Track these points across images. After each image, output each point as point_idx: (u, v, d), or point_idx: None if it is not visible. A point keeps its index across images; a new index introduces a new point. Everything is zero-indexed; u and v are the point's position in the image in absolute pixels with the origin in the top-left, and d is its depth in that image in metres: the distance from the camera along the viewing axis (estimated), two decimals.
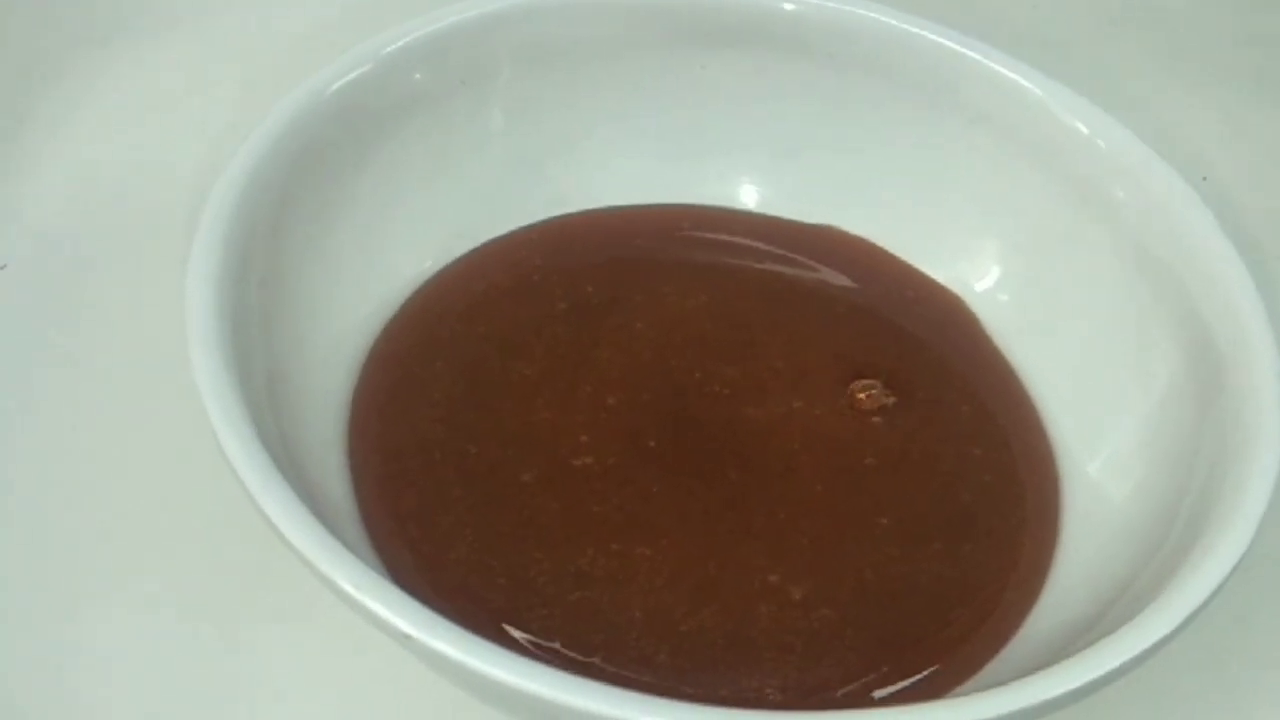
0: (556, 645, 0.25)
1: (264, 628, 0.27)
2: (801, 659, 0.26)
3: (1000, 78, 0.30)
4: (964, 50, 0.31)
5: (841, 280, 0.32)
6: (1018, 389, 0.30)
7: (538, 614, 0.26)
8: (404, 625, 0.21)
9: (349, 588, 0.21)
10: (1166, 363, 0.28)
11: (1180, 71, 0.40)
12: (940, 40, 0.31)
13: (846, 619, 0.26)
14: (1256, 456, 0.25)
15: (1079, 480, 0.29)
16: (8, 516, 0.28)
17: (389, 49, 0.29)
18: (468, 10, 0.30)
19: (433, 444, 0.28)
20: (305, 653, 0.27)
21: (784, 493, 0.28)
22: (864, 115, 0.32)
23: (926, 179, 0.32)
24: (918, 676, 0.26)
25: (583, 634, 0.25)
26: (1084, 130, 0.30)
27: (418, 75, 0.30)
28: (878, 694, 0.25)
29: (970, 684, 0.25)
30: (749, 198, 0.33)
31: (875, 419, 0.29)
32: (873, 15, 0.31)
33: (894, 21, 0.31)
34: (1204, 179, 0.32)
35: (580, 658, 0.25)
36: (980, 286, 0.32)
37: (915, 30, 0.31)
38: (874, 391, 0.29)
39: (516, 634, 0.25)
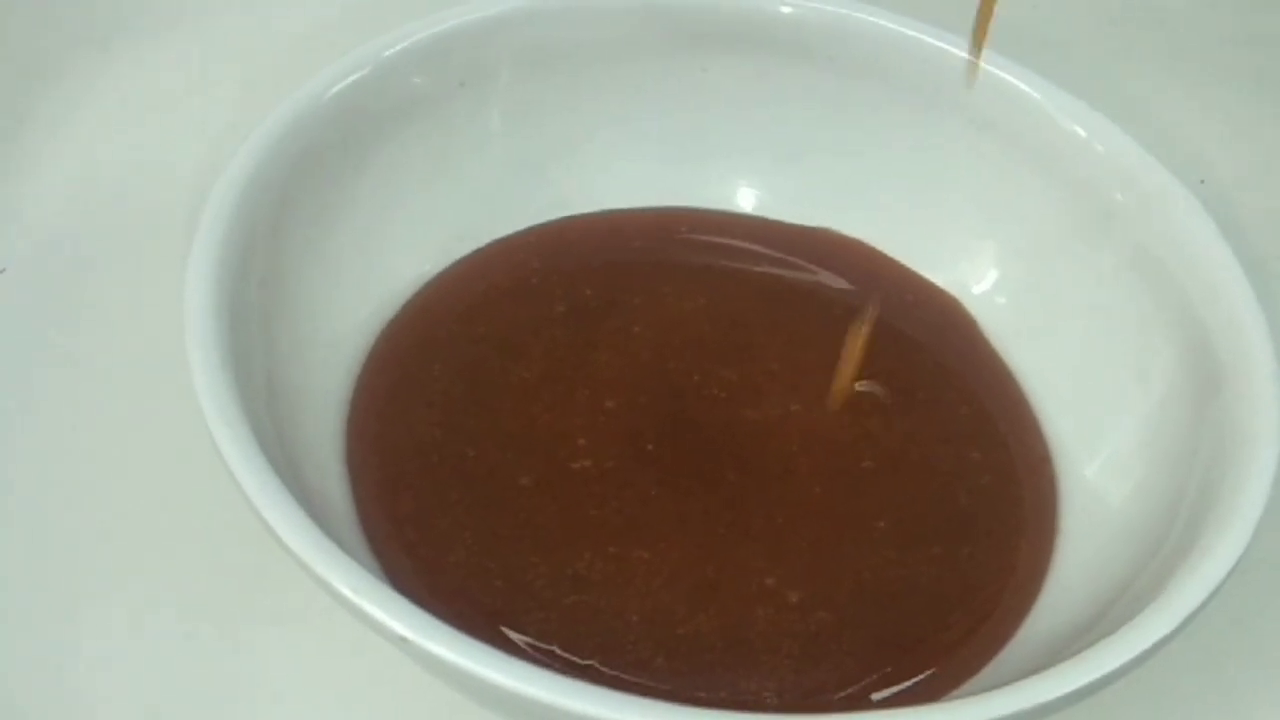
0: (554, 648, 0.25)
1: (262, 630, 0.27)
2: (799, 662, 0.26)
3: (999, 81, 0.30)
4: (963, 53, 0.31)
5: (839, 283, 0.32)
6: (1016, 391, 0.30)
7: (535, 617, 0.26)
8: (401, 629, 0.21)
9: (346, 591, 0.21)
10: (1164, 365, 0.28)
11: (1179, 73, 0.40)
12: (938, 44, 0.31)
13: (844, 622, 0.26)
14: (1254, 458, 0.25)
15: (1077, 482, 0.29)
16: (7, 516, 0.28)
17: (388, 52, 0.29)
18: (467, 13, 0.30)
19: (431, 446, 0.28)
20: (303, 655, 0.27)
21: (782, 495, 0.28)
22: (862, 118, 0.32)
23: (925, 182, 0.32)
24: (916, 679, 0.26)
25: (580, 637, 0.25)
26: (1082, 134, 0.30)
27: (417, 78, 0.30)
28: (875, 697, 0.25)
29: (968, 686, 0.25)
30: (747, 201, 0.33)
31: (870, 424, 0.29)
32: (871, 19, 0.31)
33: (892, 25, 0.31)
34: (1202, 181, 0.32)
35: (578, 661, 0.25)
36: (978, 289, 0.32)
37: (913, 34, 0.31)
38: (871, 402, 0.29)
39: (514, 637, 0.25)
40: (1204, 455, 0.26)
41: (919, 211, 0.32)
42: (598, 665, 0.25)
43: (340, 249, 0.29)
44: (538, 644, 0.25)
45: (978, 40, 0.30)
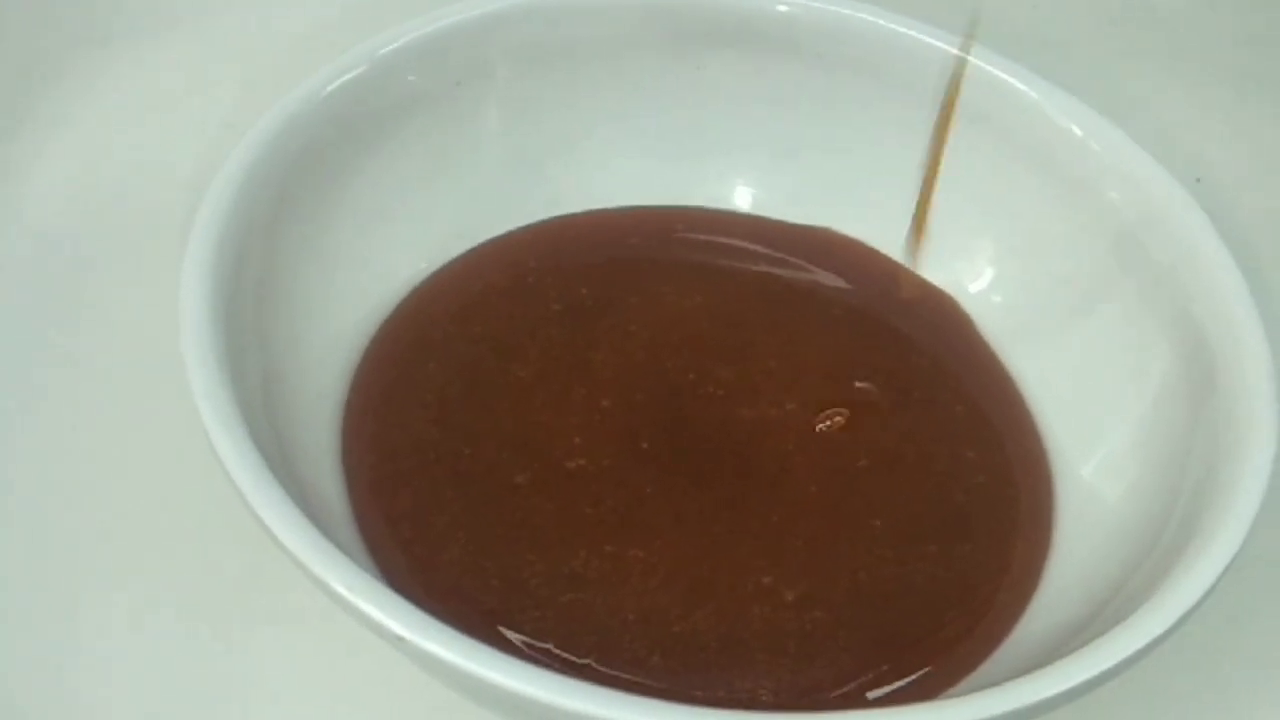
0: (550, 647, 0.25)
1: (259, 629, 0.27)
2: (795, 660, 0.26)
3: (995, 80, 0.30)
4: (959, 52, 0.31)
5: (836, 282, 0.32)
6: (1011, 390, 0.30)
7: (531, 616, 0.26)
8: (397, 627, 0.21)
9: (342, 590, 0.21)
10: (1160, 364, 0.28)
11: (1176, 72, 0.40)
12: (935, 42, 0.31)
13: (840, 620, 0.26)
14: (1249, 457, 0.25)
15: (1072, 481, 0.29)
16: (6, 516, 0.28)
17: (385, 50, 0.30)
18: (463, 11, 0.30)
19: (427, 445, 0.28)
20: (300, 654, 0.27)
21: (778, 494, 0.28)
22: (859, 117, 0.32)
23: (919, 180, 0.32)
24: (911, 678, 0.26)
25: (576, 636, 0.25)
26: (1078, 132, 0.30)
27: (414, 76, 0.30)
28: (871, 695, 0.25)
29: (964, 685, 0.25)
30: (744, 199, 0.33)
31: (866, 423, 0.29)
32: (868, 17, 0.31)
33: (889, 24, 0.31)
34: (1198, 180, 0.32)
35: (574, 659, 0.25)
36: (974, 288, 0.32)
37: (910, 32, 0.31)
38: (837, 419, 0.29)
39: (510, 635, 0.25)
40: (1199, 454, 0.26)
41: (916, 210, 0.32)
42: (594, 664, 0.25)
43: (336, 247, 0.29)
44: (534, 642, 0.25)
45: (918, 224, 0.30)
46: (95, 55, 0.37)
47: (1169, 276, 0.28)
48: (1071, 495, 0.28)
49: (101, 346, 0.31)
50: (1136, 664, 0.22)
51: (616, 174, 0.33)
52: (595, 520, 0.27)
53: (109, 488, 0.29)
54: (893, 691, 0.25)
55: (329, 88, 0.29)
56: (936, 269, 0.32)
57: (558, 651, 0.25)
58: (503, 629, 0.25)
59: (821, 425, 0.29)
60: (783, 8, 0.31)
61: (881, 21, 0.31)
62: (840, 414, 0.29)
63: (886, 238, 0.32)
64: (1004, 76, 0.30)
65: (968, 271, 0.32)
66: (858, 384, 0.30)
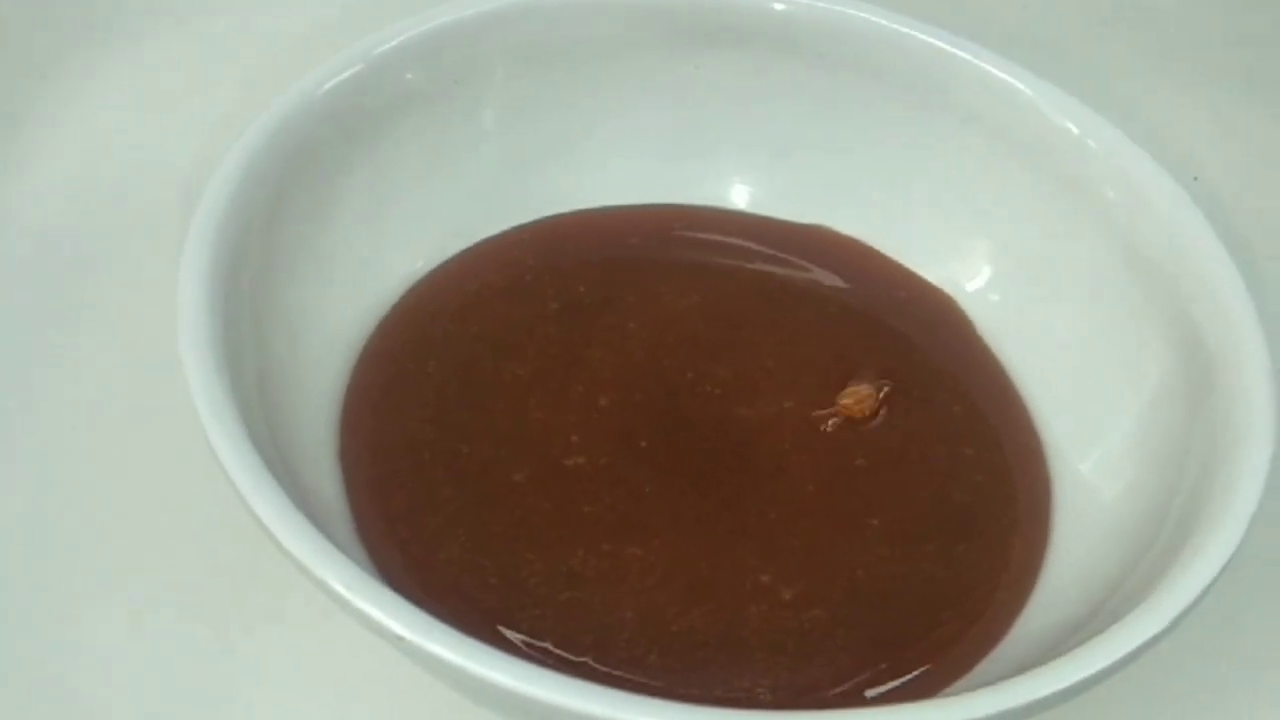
0: (548, 645, 0.25)
1: (258, 629, 0.27)
2: (793, 659, 0.26)
3: (991, 78, 0.30)
4: (955, 50, 0.31)
5: (833, 280, 0.32)
6: (1009, 389, 0.30)
7: (529, 614, 0.26)
8: (395, 627, 0.21)
9: (340, 589, 0.21)
10: (1157, 362, 0.28)
11: (1171, 71, 0.40)
12: (931, 40, 0.31)
13: (838, 619, 0.26)
14: (1247, 456, 0.25)
15: (1070, 480, 0.29)
16: (5, 516, 0.28)
17: (382, 49, 0.30)
18: (460, 10, 0.30)
19: (424, 444, 0.28)
20: (299, 654, 0.27)
21: (775, 493, 0.28)
22: (855, 116, 0.32)
23: (918, 179, 0.32)
24: (909, 676, 0.26)
25: (574, 634, 0.25)
26: (1074, 130, 0.30)
27: (410, 75, 0.30)
28: (869, 693, 0.25)
29: (962, 683, 0.25)
30: (741, 198, 0.33)
31: (864, 422, 0.29)
32: (864, 15, 0.31)
33: (885, 22, 0.31)
34: (1194, 179, 0.32)
35: (571, 658, 0.25)
36: (972, 286, 0.32)
37: (906, 30, 0.31)
38: (862, 397, 0.29)
39: (508, 634, 0.25)
40: (1197, 453, 0.26)
41: (913, 209, 0.32)
42: (592, 662, 0.25)
43: (334, 246, 0.29)
44: (532, 641, 0.25)
45: None
46: (95, 55, 0.37)
47: (1166, 275, 0.28)
48: (1069, 494, 0.28)
49: (100, 346, 0.31)
50: (1134, 663, 0.22)
51: (614, 173, 0.33)
52: (593, 519, 0.27)
53: (107, 488, 0.29)
54: (891, 690, 0.25)
55: (326, 86, 0.29)
56: (934, 268, 0.32)
57: (556, 650, 0.25)
58: (501, 628, 0.25)
59: (831, 420, 0.29)
60: (780, 6, 0.31)
61: (880, 20, 0.31)
62: (848, 403, 0.29)
63: (884, 237, 0.32)
64: (1000, 75, 0.30)
65: (965, 270, 0.32)
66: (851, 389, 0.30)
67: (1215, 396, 0.26)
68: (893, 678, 0.26)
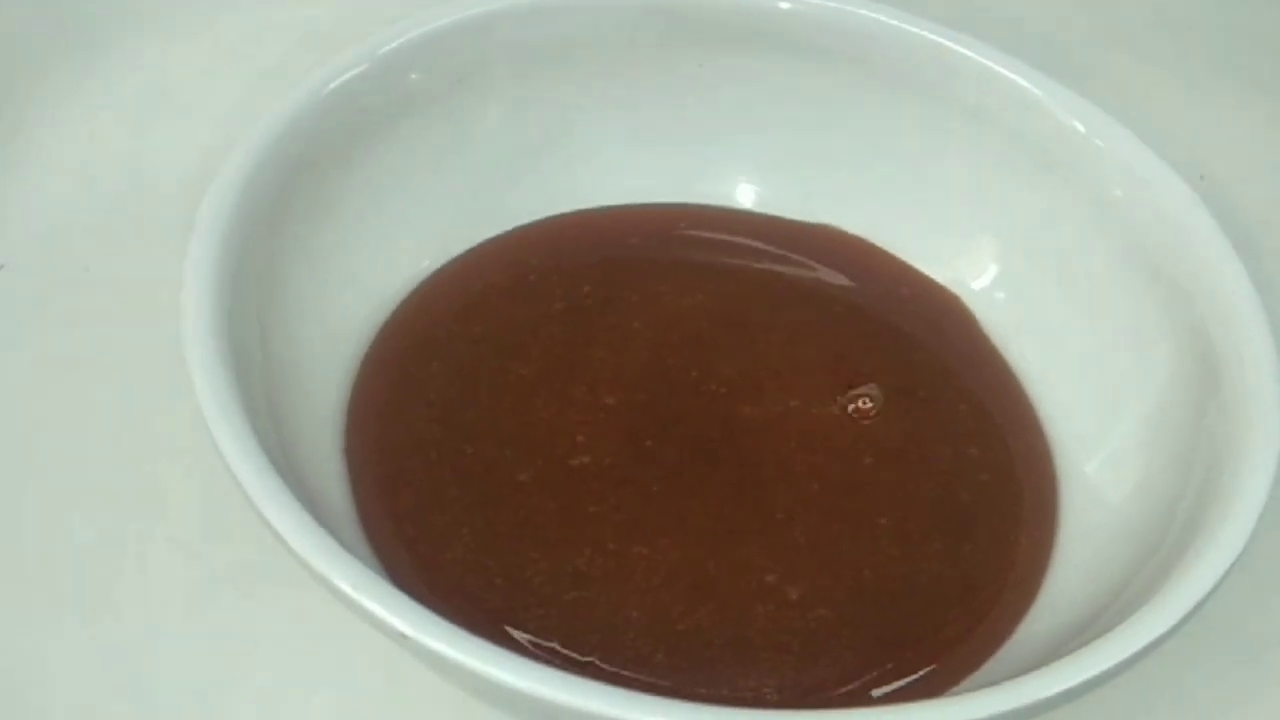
0: (554, 645, 0.25)
1: (262, 628, 0.27)
2: (799, 659, 0.26)
3: (998, 76, 0.30)
4: (962, 49, 0.31)
5: (839, 279, 0.32)
6: (1015, 388, 0.30)
7: (535, 614, 0.26)
8: (401, 625, 0.21)
9: (346, 588, 0.21)
10: (1164, 362, 0.28)
11: (1178, 70, 0.40)
12: (938, 39, 0.31)
13: (844, 619, 0.26)
14: (1254, 455, 0.25)
15: (1076, 480, 0.29)
16: (6, 516, 0.28)
17: (385, 49, 0.29)
18: (464, 9, 0.30)
19: (430, 444, 0.28)
20: (302, 652, 0.27)
21: (781, 492, 0.28)
22: (861, 114, 0.32)
23: (924, 178, 0.32)
24: (915, 676, 0.26)
25: (580, 634, 0.25)
26: (1081, 129, 0.30)
27: (414, 75, 0.30)
28: (876, 693, 0.25)
29: (968, 683, 0.25)
30: (746, 197, 0.33)
31: (870, 421, 0.29)
32: (870, 14, 0.31)
33: (891, 20, 0.31)
34: (1201, 177, 0.31)
35: (577, 657, 0.25)
36: (977, 285, 0.32)
37: (913, 29, 0.31)
38: (870, 399, 0.29)
39: (514, 634, 0.25)
40: (1203, 453, 0.26)
41: (918, 207, 0.32)
42: (598, 661, 0.25)
43: (338, 247, 0.29)
44: (538, 640, 0.25)
45: None
46: (94, 55, 0.37)
47: (1173, 274, 0.28)
48: (1075, 493, 0.28)
49: (101, 346, 0.31)
50: (1138, 663, 0.22)
51: (618, 172, 0.33)
52: (599, 518, 0.27)
53: (112, 489, 0.29)
54: (897, 689, 0.25)
55: (330, 86, 0.29)
56: (940, 266, 0.32)
57: (562, 649, 0.25)
58: (507, 627, 0.25)
59: (850, 407, 0.29)
60: (785, 5, 0.31)
61: (886, 19, 0.31)
62: (867, 396, 0.29)
63: (890, 235, 0.32)
64: (1008, 74, 0.30)
65: (971, 269, 0.32)
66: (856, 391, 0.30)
67: (1222, 396, 0.26)
68: (899, 677, 0.26)
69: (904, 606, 0.27)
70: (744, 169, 0.33)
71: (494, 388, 0.29)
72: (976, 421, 0.30)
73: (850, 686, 0.25)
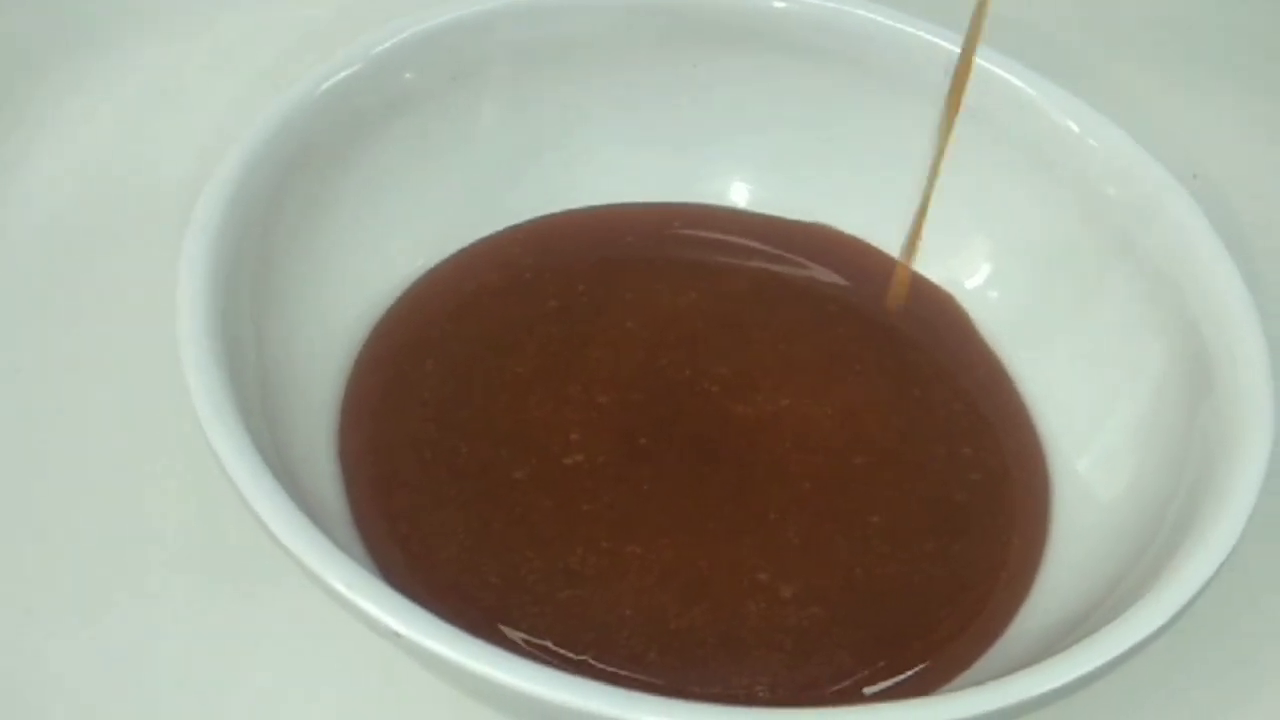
0: (547, 643, 0.25)
1: (257, 627, 0.27)
2: (791, 657, 0.26)
3: (992, 76, 0.30)
4: (956, 48, 0.31)
5: (832, 278, 0.32)
6: (1008, 387, 0.30)
7: (529, 612, 0.26)
8: (395, 624, 0.21)
9: (340, 587, 0.21)
10: (1157, 361, 0.28)
11: (1171, 69, 0.40)
12: (932, 38, 0.31)
13: (836, 617, 0.26)
14: (1246, 454, 0.25)
15: (1069, 479, 0.29)
16: (6, 516, 0.28)
17: (380, 48, 0.29)
18: (459, 8, 0.30)
19: (424, 443, 0.28)
20: (297, 651, 0.27)
21: (774, 491, 0.28)
22: (855, 113, 0.32)
23: (917, 177, 0.32)
24: (908, 674, 0.26)
25: (573, 632, 0.25)
26: (1075, 128, 0.30)
27: (408, 74, 0.30)
28: (868, 691, 0.25)
29: (959, 681, 0.25)
30: (740, 196, 0.33)
31: (865, 416, 0.29)
32: (864, 13, 0.31)
33: (885, 20, 0.31)
34: (1194, 177, 0.32)
35: (571, 656, 0.25)
36: (971, 284, 0.32)
37: (906, 28, 0.31)
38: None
39: (508, 632, 0.25)
40: (1196, 451, 0.26)
41: (911, 207, 0.32)
42: (591, 660, 0.25)
43: (332, 246, 0.29)
44: (532, 639, 0.25)
45: (917, 228, 0.29)
46: (93, 54, 0.37)
47: (1166, 273, 0.28)
48: (1068, 492, 0.28)
49: (99, 345, 0.31)
50: (1129, 661, 0.22)
51: (613, 171, 0.33)
52: (592, 517, 0.27)
53: (105, 488, 0.29)
54: (889, 687, 0.26)
55: (325, 85, 0.29)
56: (934, 265, 0.32)
57: (555, 648, 0.25)
58: (501, 626, 0.25)
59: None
60: (780, 4, 0.31)
61: (878, 18, 0.31)
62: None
63: (884, 234, 0.32)
64: (1001, 73, 0.30)
65: (965, 268, 0.32)
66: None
67: (1214, 395, 0.26)
68: (891, 675, 0.26)
69: (896, 605, 0.27)
70: (739, 168, 0.33)
71: (488, 387, 0.29)
72: (969, 420, 0.30)
73: (842, 684, 0.26)
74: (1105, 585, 0.25)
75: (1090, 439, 0.29)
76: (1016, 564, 0.27)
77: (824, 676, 0.26)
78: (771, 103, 0.33)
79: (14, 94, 0.36)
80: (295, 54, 0.35)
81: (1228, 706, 0.28)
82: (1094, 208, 0.30)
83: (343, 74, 0.29)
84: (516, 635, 0.25)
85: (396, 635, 0.21)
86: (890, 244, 0.32)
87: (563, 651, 0.25)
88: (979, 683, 0.22)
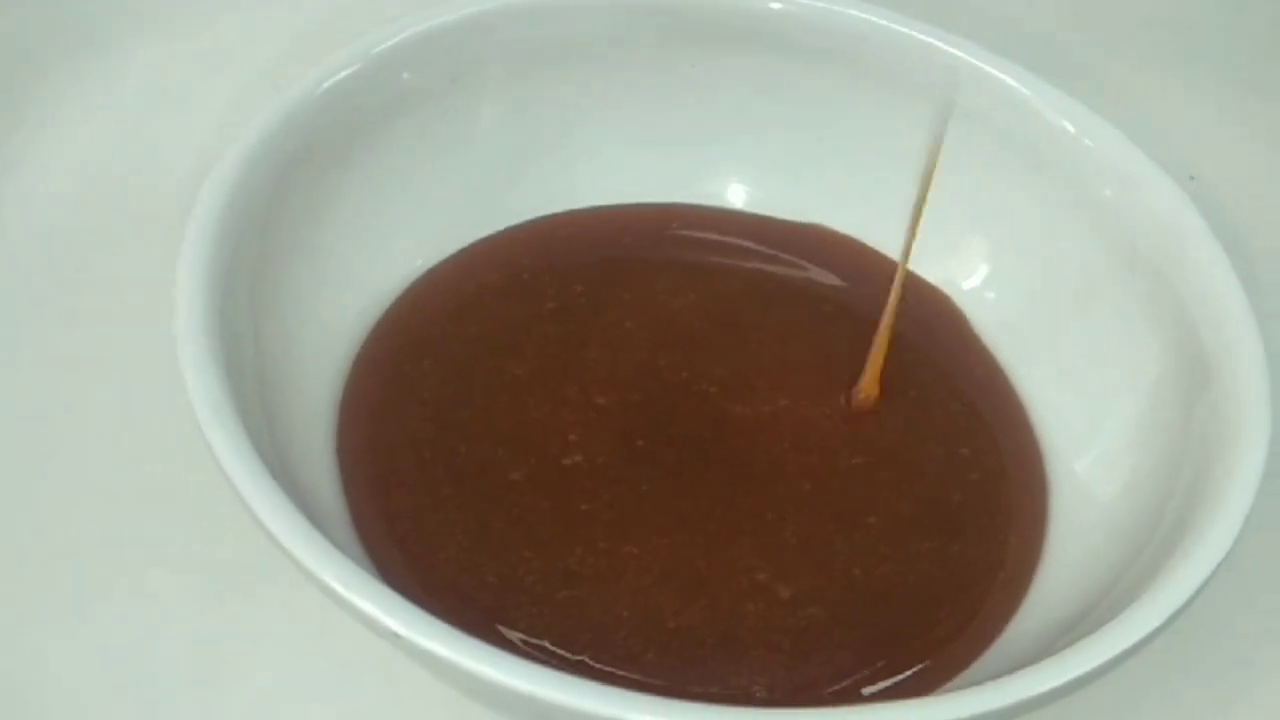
0: (545, 643, 0.25)
1: (260, 626, 0.27)
2: (790, 657, 0.26)
3: (988, 77, 0.30)
4: (952, 49, 0.31)
5: (830, 279, 0.32)
6: (1005, 387, 0.30)
7: (527, 612, 0.26)
8: (393, 624, 0.21)
9: (338, 586, 0.21)
10: (1154, 361, 0.28)
11: (1168, 70, 0.40)
12: (928, 39, 0.31)
13: (835, 617, 0.26)
14: (1243, 455, 0.25)
15: (1066, 479, 0.29)
16: (6, 516, 0.28)
17: (379, 48, 0.29)
18: (458, 9, 0.30)
19: (422, 443, 0.28)
20: (295, 651, 0.27)
21: (772, 491, 0.28)
22: (852, 114, 0.32)
23: (914, 178, 0.32)
24: (906, 674, 0.26)
25: (572, 632, 0.25)
26: (1071, 129, 0.30)
27: (407, 74, 0.30)
28: (866, 691, 0.26)
29: (958, 681, 0.25)
30: (738, 197, 0.33)
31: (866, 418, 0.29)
32: (861, 15, 0.31)
33: (882, 21, 0.31)
34: (1191, 178, 0.32)
35: (569, 656, 0.25)
36: (968, 285, 0.32)
37: (903, 30, 0.31)
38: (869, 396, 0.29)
39: (506, 632, 0.25)
40: (1193, 452, 0.26)
41: (909, 207, 0.32)
42: (589, 660, 0.25)
43: (330, 246, 0.29)
44: (529, 639, 0.25)
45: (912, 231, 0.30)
46: (92, 54, 0.37)
47: (1162, 274, 0.28)
48: (1065, 492, 0.28)
49: (99, 345, 0.31)
50: (1127, 661, 0.22)
51: (611, 171, 0.33)
52: (590, 517, 0.27)
53: (103, 488, 0.29)
54: (888, 687, 0.26)
55: (324, 85, 0.29)
56: (930, 266, 0.32)
57: (553, 648, 0.25)
58: (499, 626, 0.25)
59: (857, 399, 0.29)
60: (777, 5, 0.31)
61: (875, 19, 0.31)
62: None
63: (881, 234, 0.32)
64: (997, 74, 0.30)
65: (962, 268, 0.32)
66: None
67: (1212, 396, 0.26)
68: (889, 675, 0.26)
69: (895, 605, 0.27)
70: (736, 169, 0.33)
71: (487, 387, 0.29)
72: (967, 420, 0.30)
73: (841, 685, 0.26)
74: (1103, 585, 0.25)
75: (1088, 439, 0.29)
76: (1015, 564, 0.27)
77: (823, 677, 0.26)
78: (769, 103, 0.33)
79: (14, 94, 0.36)
80: (295, 54, 0.35)
81: (1225, 706, 0.28)
82: (1090, 209, 0.30)
83: (343, 73, 0.29)
84: (514, 635, 0.25)
85: (395, 635, 0.21)
86: (887, 244, 0.32)
87: (560, 651, 0.25)
88: (978, 683, 0.22)
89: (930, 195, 0.30)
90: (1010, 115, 0.30)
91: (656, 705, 0.21)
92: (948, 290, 0.32)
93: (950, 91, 0.30)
